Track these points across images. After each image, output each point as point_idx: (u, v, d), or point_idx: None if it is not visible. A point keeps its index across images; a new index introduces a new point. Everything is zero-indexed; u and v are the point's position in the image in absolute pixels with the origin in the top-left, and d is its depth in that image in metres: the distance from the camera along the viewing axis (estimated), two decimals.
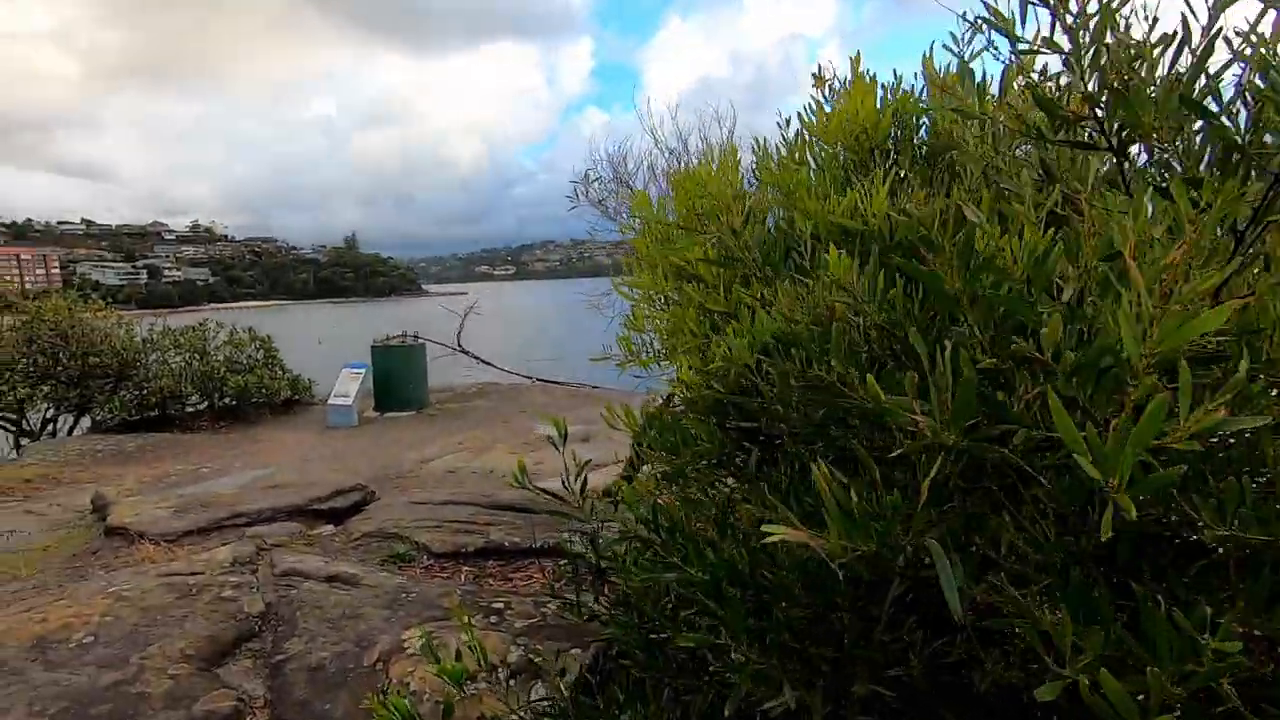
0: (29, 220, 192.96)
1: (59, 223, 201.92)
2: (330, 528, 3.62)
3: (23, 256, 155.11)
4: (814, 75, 2.55)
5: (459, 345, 9.74)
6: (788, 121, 2.51)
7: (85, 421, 8.61)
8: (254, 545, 3.21)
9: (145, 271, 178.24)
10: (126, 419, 8.10)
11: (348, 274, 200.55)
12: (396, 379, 9.01)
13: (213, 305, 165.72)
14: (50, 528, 4.21)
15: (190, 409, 8.84)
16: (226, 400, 8.70)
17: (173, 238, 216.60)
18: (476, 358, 10.05)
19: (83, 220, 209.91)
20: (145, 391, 8.10)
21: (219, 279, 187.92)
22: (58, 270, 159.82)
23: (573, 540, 3.49)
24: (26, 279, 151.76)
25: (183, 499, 4.09)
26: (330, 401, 8.47)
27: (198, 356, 8.92)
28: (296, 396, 9.64)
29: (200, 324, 9.48)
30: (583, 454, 5.51)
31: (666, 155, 3.75)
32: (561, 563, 3.16)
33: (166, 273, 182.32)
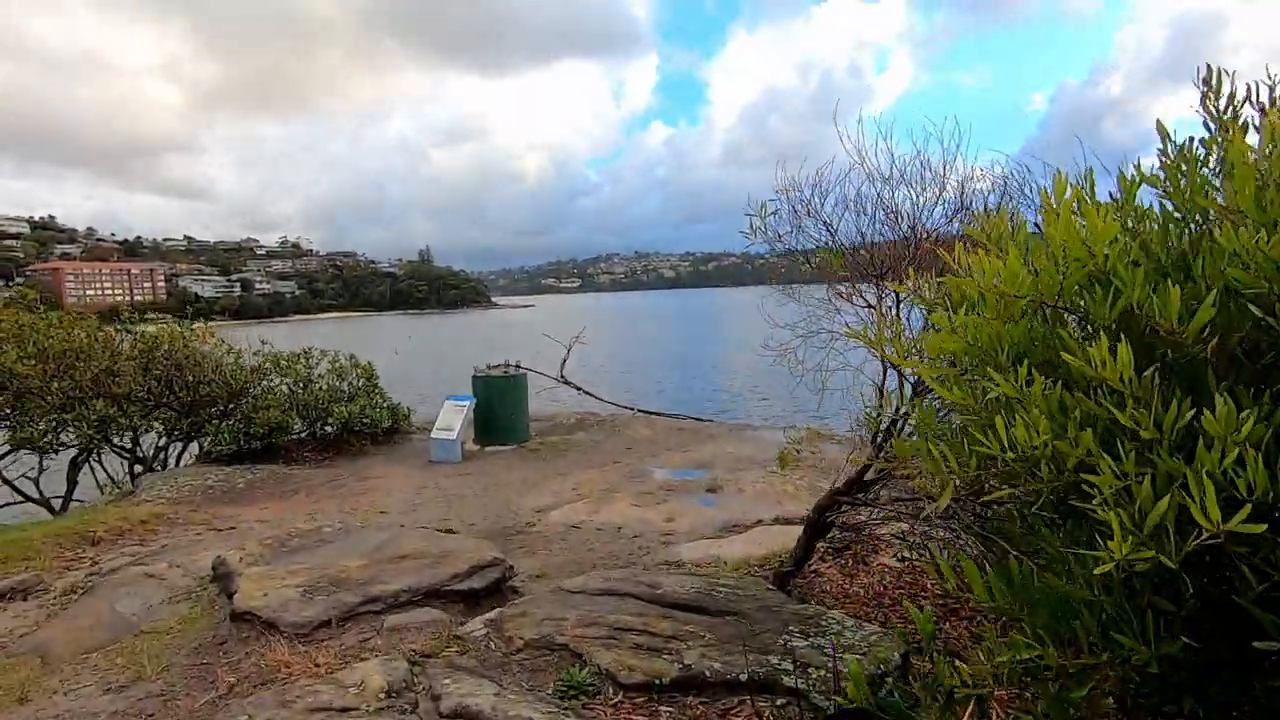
0: (139, 238, 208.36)
1: (164, 239, 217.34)
2: (480, 626, 3.09)
3: (133, 271, 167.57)
4: (1206, 83, 1.83)
5: (562, 376, 9.27)
6: (1239, 126, 1.77)
7: (194, 447, 8.58)
8: (405, 661, 2.69)
9: (239, 285, 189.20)
10: (234, 449, 7.97)
11: (422, 286, 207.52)
12: (498, 411, 8.61)
13: (298, 316, 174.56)
14: (170, 597, 3.86)
15: (293, 437, 8.68)
16: (329, 430, 8.50)
17: (263, 253, 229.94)
18: (579, 388, 9.57)
19: (185, 237, 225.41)
20: (252, 422, 7.95)
21: (304, 291, 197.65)
22: (163, 284, 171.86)
23: (785, 666, 2.83)
24: (135, 291, 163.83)
25: (310, 573, 3.66)
26: (434, 435, 8.13)
27: (302, 385, 8.78)
28: (396, 425, 9.41)
29: (304, 351, 9.35)
30: (716, 508, 4.82)
31: (880, 185, 3.08)
32: (780, 703, 2.51)
33: (257, 286, 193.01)
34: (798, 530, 4.71)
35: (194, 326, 8.66)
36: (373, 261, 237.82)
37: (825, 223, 3.24)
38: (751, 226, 3.59)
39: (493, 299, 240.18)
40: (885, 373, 3.33)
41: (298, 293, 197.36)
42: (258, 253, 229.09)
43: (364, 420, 8.58)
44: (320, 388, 8.75)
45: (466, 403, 8.30)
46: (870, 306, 3.44)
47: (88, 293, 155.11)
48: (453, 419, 8.14)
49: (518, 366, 8.90)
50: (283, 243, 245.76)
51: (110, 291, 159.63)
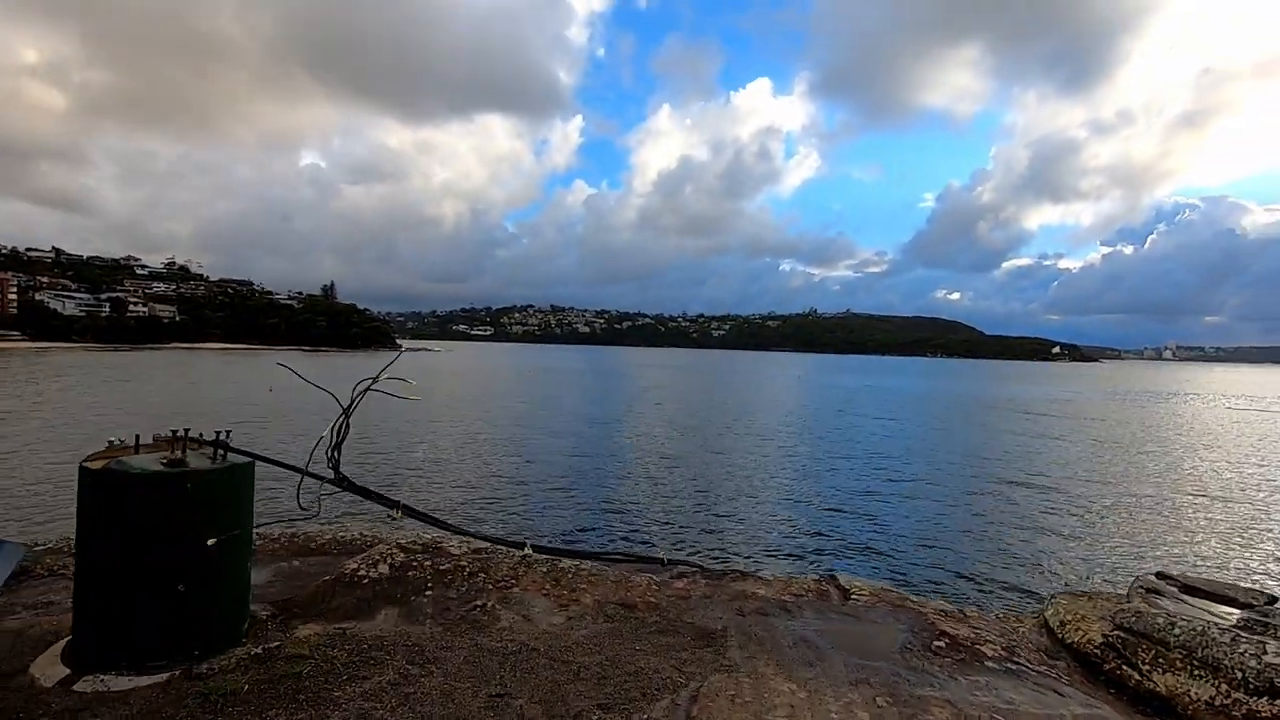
0: None
1: (27, 249, 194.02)
2: None
3: None
4: None
5: (337, 473, 3.77)
6: None
7: None
8: None
9: (109, 304, 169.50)
10: None
11: (321, 322, 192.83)
12: (152, 569, 3.04)
13: (176, 344, 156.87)
14: None
15: None
16: None
17: (145, 273, 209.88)
18: (394, 506, 4.07)
19: (53, 249, 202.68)
20: None
21: (186, 317, 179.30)
22: (14, 296, 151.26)
23: None
24: None
25: None
26: None
27: None
28: None
29: None
30: None
31: None
32: None
33: (131, 307, 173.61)
34: None
35: None
36: (269, 292, 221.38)
37: None
38: None
39: (398, 341, 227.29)
40: None
41: (179, 318, 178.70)
42: (138, 272, 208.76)
43: None
44: None
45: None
46: None
47: None
48: None
49: (224, 445, 3.36)
50: (169, 264, 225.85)
51: None
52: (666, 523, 12.98)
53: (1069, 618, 5.42)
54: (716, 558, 10.46)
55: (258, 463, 3.46)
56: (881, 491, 17.31)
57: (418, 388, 3.62)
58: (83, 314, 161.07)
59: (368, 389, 3.60)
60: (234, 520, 3.29)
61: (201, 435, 3.42)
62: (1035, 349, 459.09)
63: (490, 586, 4.16)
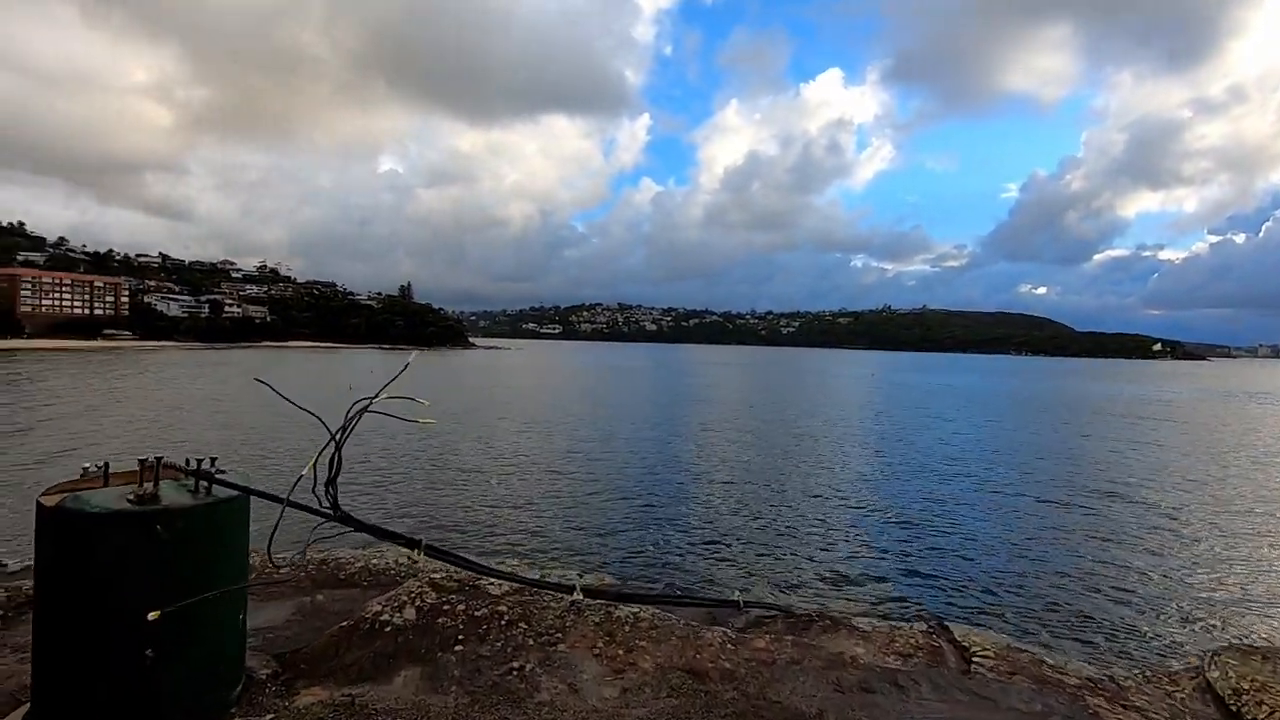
0: (110, 251, 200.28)
1: (137, 255, 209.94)
2: None
3: (95, 284, 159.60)
4: None
5: (329, 504, 3.12)
6: None
7: None
8: None
9: (207, 305, 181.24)
10: None
11: (398, 321, 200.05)
12: (116, 633, 2.51)
13: (267, 343, 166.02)
14: None
15: None
16: None
17: (239, 275, 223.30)
18: (433, 550, 3.40)
19: (160, 254, 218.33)
20: None
21: (275, 318, 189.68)
22: (126, 299, 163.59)
23: None
24: (96, 305, 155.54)
25: None
26: None
27: None
28: None
29: None
30: None
31: None
32: None
33: (227, 308, 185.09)
34: None
35: None
36: (351, 293, 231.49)
37: None
38: None
39: (471, 340, 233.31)
40: None
41: (269, 318, 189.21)
42: (233, 275, 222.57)
43: None
44: None
45: None
46: None
47: (44, 302, 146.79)
48: None
49: (208, 476, 2.80)
50: (261, 267, 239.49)
51: (69, 303, 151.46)
52: (736, 544, 12.02)
53: (1246, 685, 4.32)
54: (796, 589, 9.50)
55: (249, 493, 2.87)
56: (972, 504, 15.86)
57: (430, 408, 2.95)
58: (185, 315, 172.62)
59: (364, 410, 2.96)
60: (217, 569, 2.71)
61: (188, 461, 2.86)
62: (1133, 346, 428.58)
63: (531, 642, 3.46)
